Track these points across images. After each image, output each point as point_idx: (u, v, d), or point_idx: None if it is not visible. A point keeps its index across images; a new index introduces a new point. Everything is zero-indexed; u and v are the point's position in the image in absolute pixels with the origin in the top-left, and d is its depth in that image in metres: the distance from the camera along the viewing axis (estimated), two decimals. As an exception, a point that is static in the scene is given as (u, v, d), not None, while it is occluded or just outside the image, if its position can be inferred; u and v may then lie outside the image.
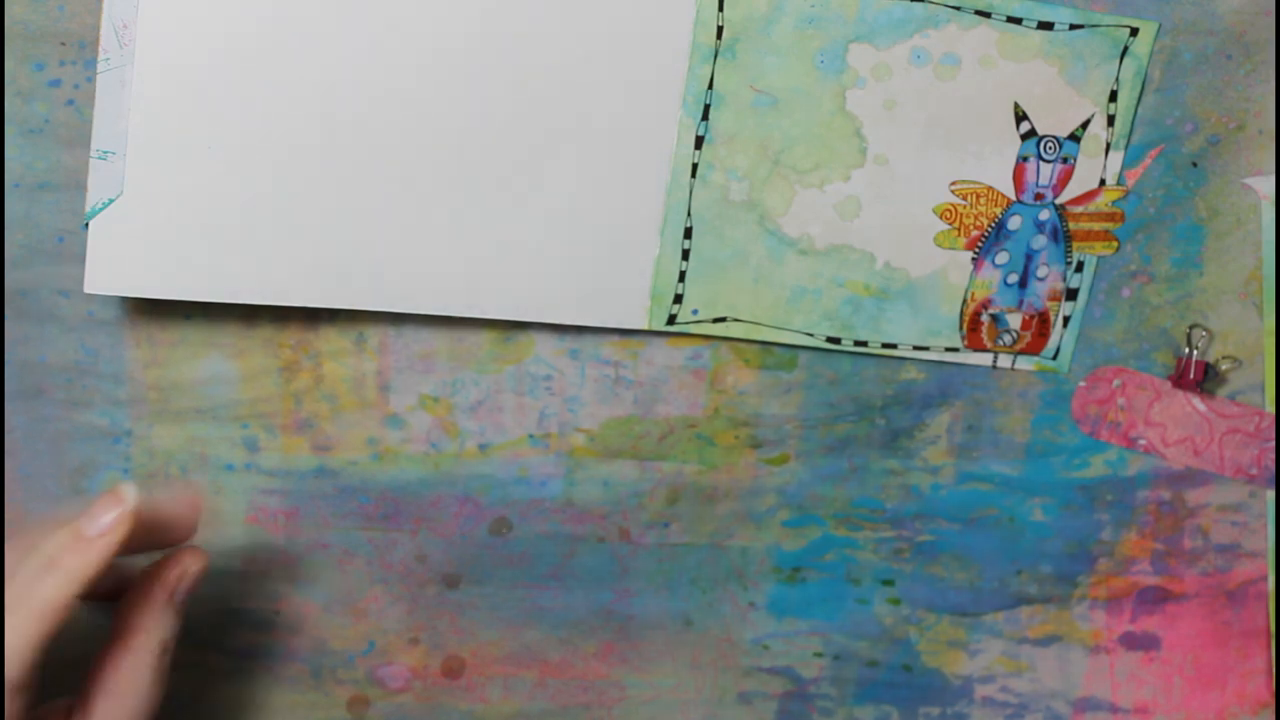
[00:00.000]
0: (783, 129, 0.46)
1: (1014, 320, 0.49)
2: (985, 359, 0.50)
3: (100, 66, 0.42)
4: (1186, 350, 0.51)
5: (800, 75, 0.45)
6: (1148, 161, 0.49)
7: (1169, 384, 0.52)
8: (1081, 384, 0.52)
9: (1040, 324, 0.50)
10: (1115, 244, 0.49)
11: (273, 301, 0.45)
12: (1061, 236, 0.49)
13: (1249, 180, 0.50)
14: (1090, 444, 0.52)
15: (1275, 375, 0.52)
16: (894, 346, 0.49)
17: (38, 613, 0.39)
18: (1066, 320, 0.50)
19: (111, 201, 0.43)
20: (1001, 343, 0.50)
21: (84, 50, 0.46)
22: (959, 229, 0.48)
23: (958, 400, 0.51)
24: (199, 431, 0.49)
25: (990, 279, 0.49)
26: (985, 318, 0.49)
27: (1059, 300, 0.50)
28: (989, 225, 0.48)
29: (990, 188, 0.47)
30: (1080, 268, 0.49)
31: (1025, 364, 0.50)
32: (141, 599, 0.43)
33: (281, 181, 0.44)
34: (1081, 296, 0.50)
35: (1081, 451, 0.52)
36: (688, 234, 0.46)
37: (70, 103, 0.46)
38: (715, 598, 0.53)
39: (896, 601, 0.54)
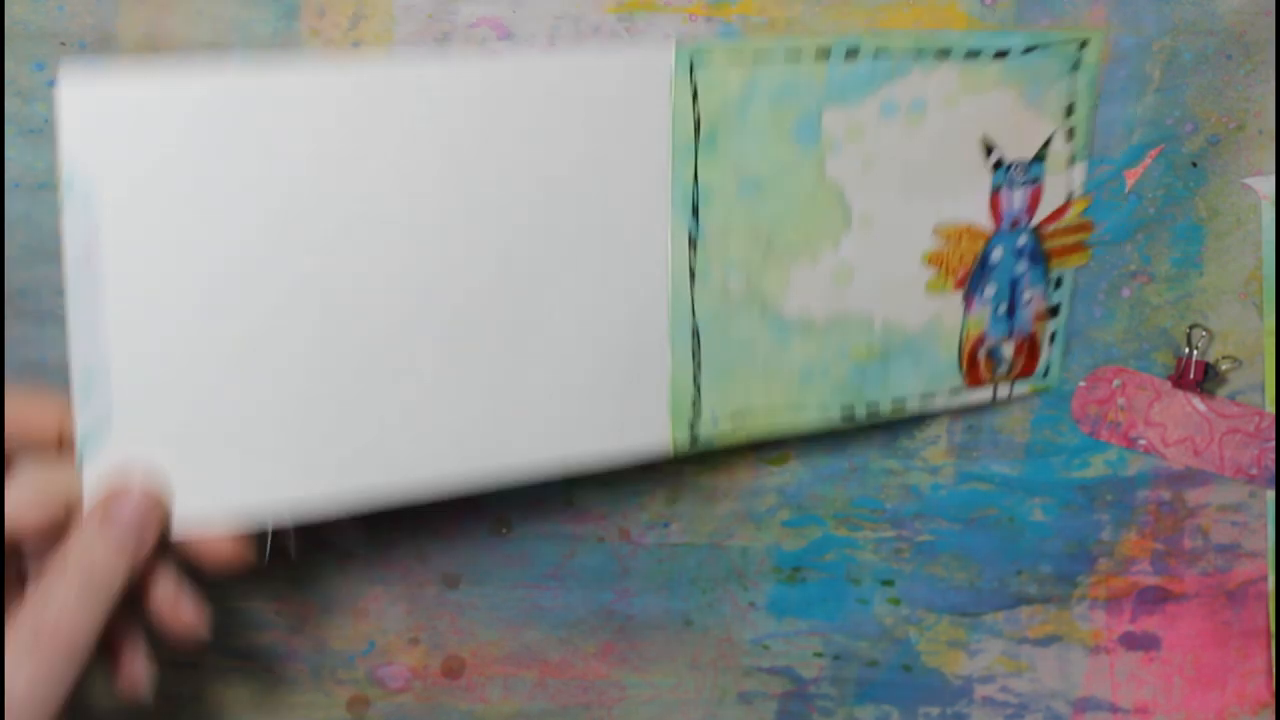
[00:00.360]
0: (771, 210, 0.45)
1: (1008, 349, 0.50)
2: (986, 394, 0.50)
3: (70, 291, 0.39)
4: (1186, 350, 0.51)
5: (780, 152, 0.45)
6: (1148, 161, 0.49)
7: (1169, 384, 0.52)
8: (1081, 384, 0.52)
9: (1030, 347, 0.50)
10: (1088, 253, 0.49)
11: (284, 504, 0.42)
12: (1040, 257, 0.49)
13: (1249, 180, 0.50)
14: (1090, 444, 0.52)
15: (1275, 375, 0.52)
16: (903, 401, 0.49)
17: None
18: (1053, 337, 0.51)
19: (103, 423, 0.40)
20: (999, 373, 0.50)
21: (84, 50, 0.46)
22: (946, 271, 0.48)
23: (958, 400, 0.52)
24: (199, 431, 0.49)
25: (982, 314, 0.49)
26: (982, 355, 0.50)
27: (1044, 320, 0.50)
28: (974, 262, 0.48)
29: (970, 225, 0.48)
30: (1059, 283, 0.50)
31: (1021, 388, 0.51)
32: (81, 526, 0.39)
33: (281, 377, 0.41)
34: (1063, 311, 0.50)
35: (1081, 451, 0.52)
36: (696, 340, 0.44)
37: (70, 103, 0.46)
38: (715, 598, 0.53)
39: (896, 601, 0.54)
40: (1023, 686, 0.55)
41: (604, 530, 0.52)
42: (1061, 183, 0.48)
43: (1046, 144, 0.48)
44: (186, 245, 0.39)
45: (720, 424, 0.46)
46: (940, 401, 0.50)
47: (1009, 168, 0.47)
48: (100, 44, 0.46)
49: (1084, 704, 0.55)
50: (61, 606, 0.37)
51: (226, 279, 0.40)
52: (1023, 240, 0.48)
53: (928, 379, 0.49)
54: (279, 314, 0.40)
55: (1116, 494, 0.53)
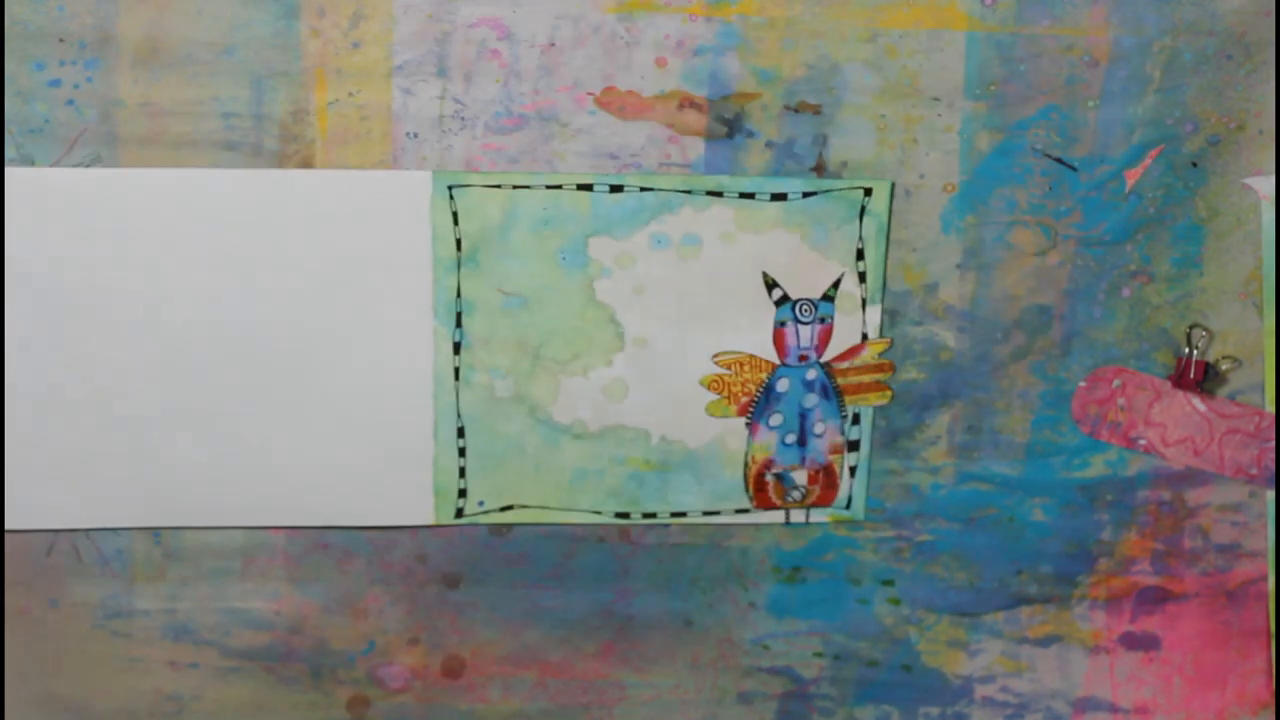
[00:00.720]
0: (538, 324, 0.47)
1: (800, 477, 0.50)
2: (778, 516, 0.50)
3: None
4: (1186, 350, 0.51)
5: (545, 274, 0.47)
6: (1148, 161, 0.49)
7: (1169, 384, 0.52)
8: (1081, 384, 0.52)
9: (827, 477, 0.50)
10: (889, 393, 0.49)
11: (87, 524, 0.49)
12: (832, 393, 0.49)
13: (1249, 180, 0.50)
14: (1090, 444, 0.52)
15: (1275, 375, 0.52)
16: (683, 515, 0.50)
17: None
18: (853, 470, 0.51)
19: None
20: (791, 499, 0.50)
21: (84, 50, 0.46)
22: (728, 397, 0.49)
23: (958, 400, 0.51)
24: (199, 431, 0.49)
25: (767, 441, 0.49)
26: (770, 478, 0.50)
27: (841, 453, 0.50)
28: (757, 391, 0.49)
29: (753, 355, 0.48)
30: (857, 419, 0.50)
31: (819, 516, 0.51)
32: None
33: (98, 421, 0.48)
34: (864, 446, 0.50)
35: (1081, 451, 0.52)
36: (461, 433, 0.47)
37: (70, 103, 0.46)
38: (715, 598, 0.53)
39: (896, 601, 0.54)
40: (1023, 686, 0.55)
41: (604, 530, 0.52)
42: (854, 323, 0.48)
43: (836, 285, 0.48)
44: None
45: (487, 506, 0.50)
46: (724, 519, 0.50)
47: (794, 304, 0.48)
48: (100, 44, 0.46)
49: (1084, 704, 0.55)
50: None
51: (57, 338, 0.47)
52: (812, 374, 0.49)
53: (711, 496, 0.50)
54: (102, 368, 0.47)
55: (1116, 494, 0.53)
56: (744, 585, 0.53)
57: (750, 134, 0.48)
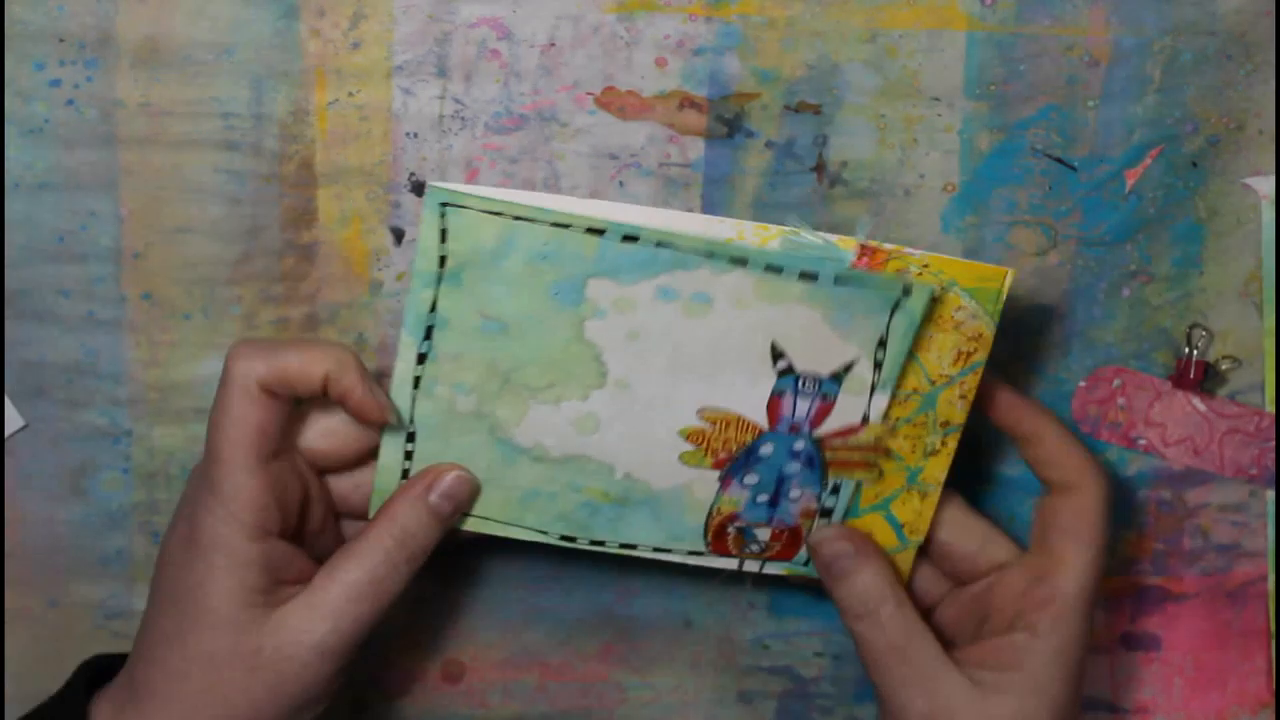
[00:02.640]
0: (514, 351, 0.43)
1: (763, 534, 0.47)
2: (731, 563, 0.48)
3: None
4: (1186, 350, 0.51)
5: (533, 305, 0.43)
6: (1148, 161, 0.49)
7: (1169, 384, 0.52)
8: (1081, 384, 0.52)
9: (791, 536, 0.47)
10: (877, 471, 0.46)
11: None
12: (818, 464, 0.46)
13: (1249, 180, 0.50)
14: (1090, 444, 0.52)
15: (1275, 375, 0.52)
16: (633, 547, 0.47)
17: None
18: None
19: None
20: (749, 550, 0.47)
21: (84, 50, 0.46)
22: (707, 451, 0.45)
23: (958, 400, 0.51)
24: (199, 431, 0.49)
25: (738, 496, 0.46)
26: (732, 530, 0.47)
27: (812, 518, 0.47)
28: (739, 450, 0.45)
29: (741, 416, 0.45)
30: (836, 490, 0.46)
31: (775, 569, 0.48)
32: (396, 493, 0.44)
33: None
34: (837, 513, 0.47)
35: (1081, 451, 0.52)
36: (411, 438, 0.44)
37: (70, 103, 0.46)
38: (715, 597, 0.53)
39: (897, 602, 0.54)
40: (1023, 687, 0.55)
41: (604, 531, 0.52)
42: (857, 404, 0.45)
43: (848, 367, 0.44)
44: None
45: None
46: (675, 558, 0.47)
47: (798, 378, 0.44)
48: (100, 44, 0.46)
49: (1084, 704, 0.55)
50: (380, 563, 0.42)
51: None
52: (800, 445, 0.45)
53: (666, 535, 0.47)
54: None
55: (1116, 494, 0.53)
56: (744, 585, 0.53)
57: (750, 134, 0.48)
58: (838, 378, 0.44)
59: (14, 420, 0.49)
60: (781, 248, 0.42)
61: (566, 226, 0.41)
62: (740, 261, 0.42)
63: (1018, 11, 0.48)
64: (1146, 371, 0.52)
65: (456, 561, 0.52)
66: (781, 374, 0.44)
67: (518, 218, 0.41)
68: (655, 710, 0.54)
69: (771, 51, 0.48)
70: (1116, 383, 0.52)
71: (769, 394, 0.44)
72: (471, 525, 0.46)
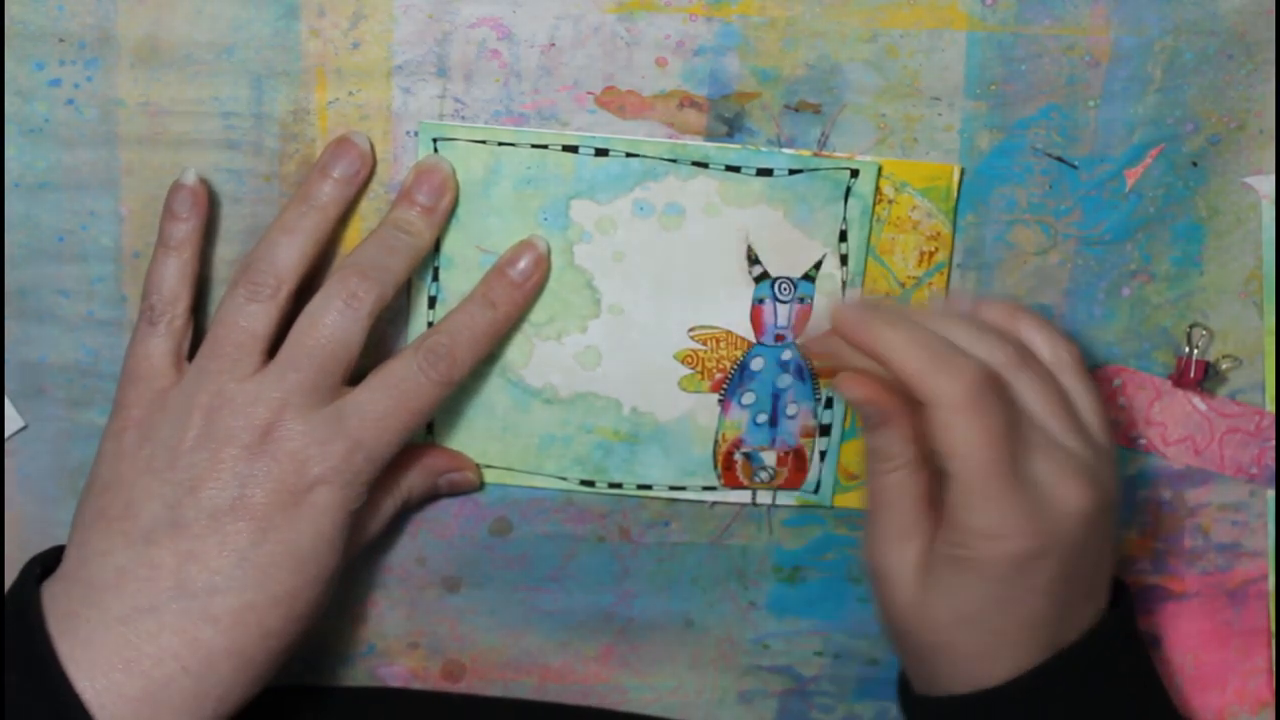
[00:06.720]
0: None
1: (769, 458, 0.50)
2: (744, 496, 0.50)
3: None
4: (1186, 350, 0.51)
5: (525, 233, 0.47)
6: (1148, 161, 0.49)
7: (1169, 383, 0.52)
8: (1082, 384, 0.52)
9: (796, 459, 0.50)
10: None
11: None
12: (807, 375, 0.49)
13: (1249, 180, 0.50)
14: (1090, 444, 0.52)
15: (1275, 375, 0.52)
16: (649, 488, 0.50)
17: (477, 339, 0.45)
18: (823, 454, 0.50)
19: None
20: (758, 479, 0.50)
21: (84, 50, 0.46)
22: (702, 373, 0.48)
23: (958, 400, 0.51)
24: (199, 432, 0.49)
25: (739, 419, 0.49)
26: (739, 456, 0.49)
27: (813, 437, 0.50)
28: (732, 368, 0.48)
29: (729, 331, 0.48)
30: (830, 403, 0.49)
31: (786, 499, 0.50)
32: (413, 454, 0.47)
33: None
34: (835, 430, 0.49)
35: (1082, 451, 0.52)
36: None
37: (70, 102, 0.46)
38: (715, 597, 0.53)
39: (897, 601, 0.54)
40: (1023, 686, 0.55)
41: (604, 530, 0.51)
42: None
43: (818, 266, 0.48)
44: None
45: None
46: (690, 495, 0.50)
47: (774, 282, 0.47)
48: (100, 44, 0.46)
49: (1084, 704, 0.55)
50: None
51: None
52: (787, 355, 0.48)
53: (679, 471, 0.49)
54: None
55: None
56: (744, 584, 0.53)
57: (750, 133, 0.48)
58: (810, 278, 0.47)
59: (14, 420, 0.49)
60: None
61: (544, 147, 0.46)
62: (702, 165, 0.46)
63: (1018, 11, 0.48)
64: (1147, 371, 0.52)
65: (457, 561, 0.52)
66: (758, 280, 0.47)
67: (501, 143, 0.46)
68: (656, 712, 0.54)
69: (772, 51, 0.48)
70: (1116, 382, 0.52)
71: (750, 304, 0.47)
72: (496, 477, 0.48)
